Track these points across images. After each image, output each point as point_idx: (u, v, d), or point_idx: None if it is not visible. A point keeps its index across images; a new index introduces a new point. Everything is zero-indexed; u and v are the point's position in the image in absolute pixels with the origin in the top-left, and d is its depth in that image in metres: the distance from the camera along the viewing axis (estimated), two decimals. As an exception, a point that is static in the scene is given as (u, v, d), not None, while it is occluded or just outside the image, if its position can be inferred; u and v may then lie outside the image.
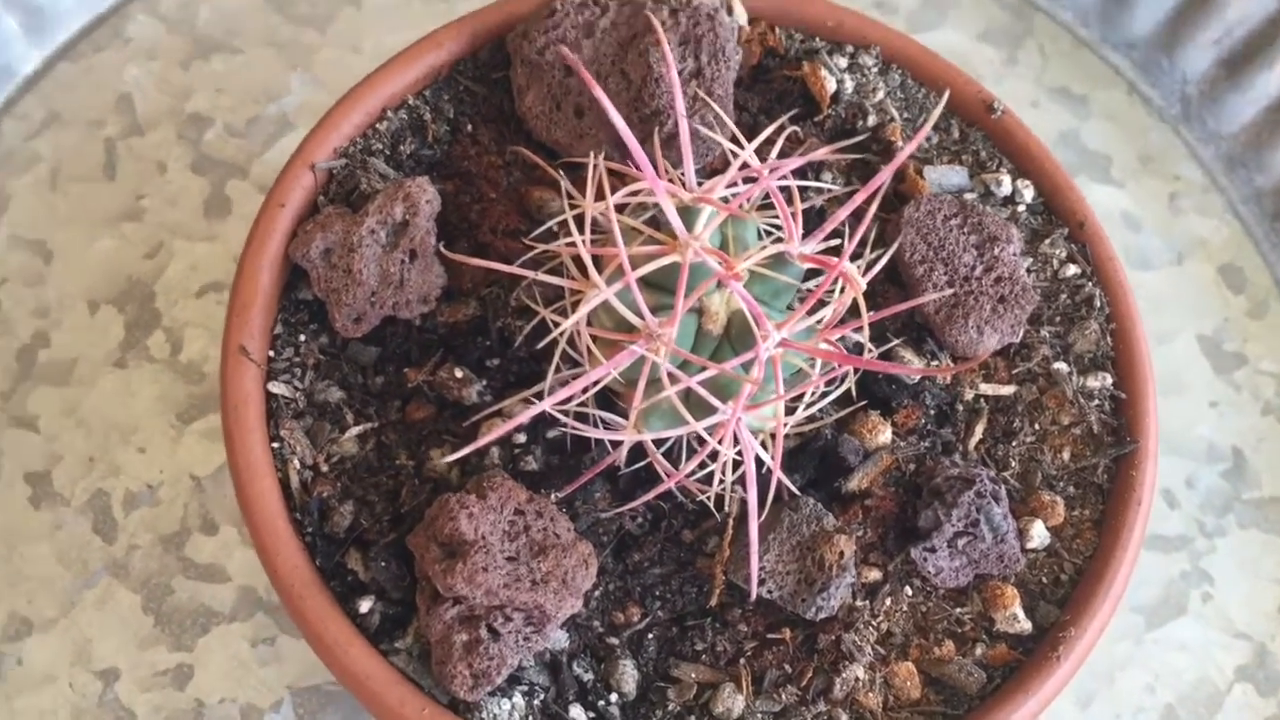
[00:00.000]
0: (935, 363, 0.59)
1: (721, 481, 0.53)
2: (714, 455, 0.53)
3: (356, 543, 0.54)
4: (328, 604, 0.52)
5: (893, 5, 0.94)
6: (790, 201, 0.53)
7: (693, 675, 0.54)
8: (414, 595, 0.53)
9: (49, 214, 0.82)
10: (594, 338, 0.51)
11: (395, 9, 0.91)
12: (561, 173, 0.57)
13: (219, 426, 0.77)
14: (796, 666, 0.54)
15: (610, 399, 0.56)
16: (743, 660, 0.54)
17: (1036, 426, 0.60)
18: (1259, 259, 0.89)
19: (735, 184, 0.54)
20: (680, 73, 0.61)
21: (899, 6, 0.95)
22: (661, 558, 0.56)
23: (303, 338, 0.59)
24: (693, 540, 0.56)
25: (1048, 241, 0.63)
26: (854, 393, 0.56)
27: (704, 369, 0.49)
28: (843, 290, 0.53)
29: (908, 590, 0.56)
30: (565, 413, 0.52)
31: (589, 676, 0.53)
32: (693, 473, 0.53)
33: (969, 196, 0.63)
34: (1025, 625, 0.56)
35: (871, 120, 0.65)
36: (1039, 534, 0.57)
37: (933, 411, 0.59)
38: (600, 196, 0.52)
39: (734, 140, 0.57)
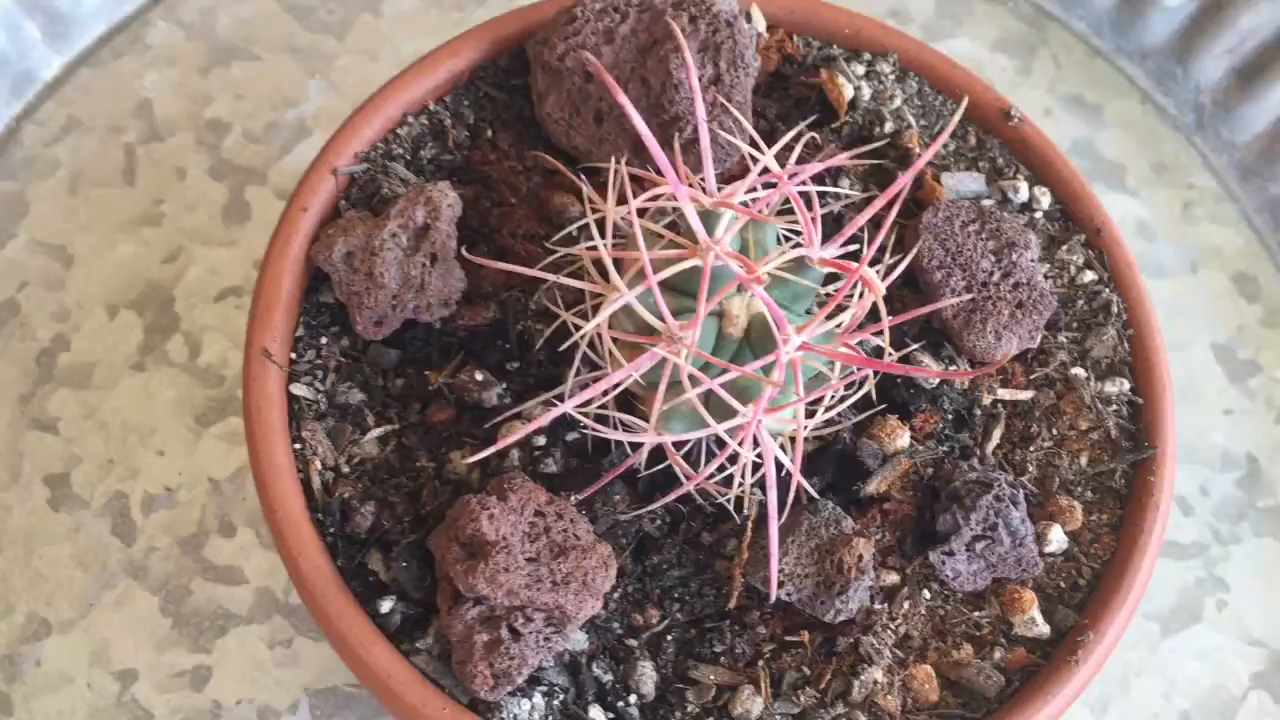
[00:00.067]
0: (953, 368, 0.59)
1: (741, 484, 0.53)
2: (733, 458, 0.53)
3: (378, 543, 0.55)
4: (349, 604, 0.52)
5: (908, 14, 0.95)
6: (809, 207, 0.53)
7: (711, 677, 0.54)
8: (434, 596, 0.53)
9: (69, 219, 0.83)
10: (615, 340, 0.52)
11: (413, 17, 0.92)
12: (583, 177, 0.57)
13: (237, 430, 0.78)
14: (815, 669, 0.55)
15: (630, 403, 0.56)
16: (761, 662, 0.55)
17: (1054, 431, 0.60)
18: (1272, 268, 0.89)
19: (755, 189, 0.54)
20: (699, 79, 0.61)
21: (914, 16, 0.95)
22: (680, 560, 0.56)
23: (324, 340, 0.59)
24: (711, 543, 0.57)
25: (1065, 248, 0.63)
26: (874, 395, 0.56)
27: (725, 371, 0.49)
28: (861, 295, 0.53)
29: (926, 593, 0.56)
30: (585, 415, 0.53)
31: (608, 678, 0.54)
32: (712, 475, 0.53)
33: (986, 203, 0.63)
34: (1043, 629, 0.56)
35: (889, 127, 0.65)
36: (1057, 538, 0.57)
37: (950, 416, 0.59)
38: (621, 201, 0.53)
39: (753, 146, 0.57)
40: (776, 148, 0.53)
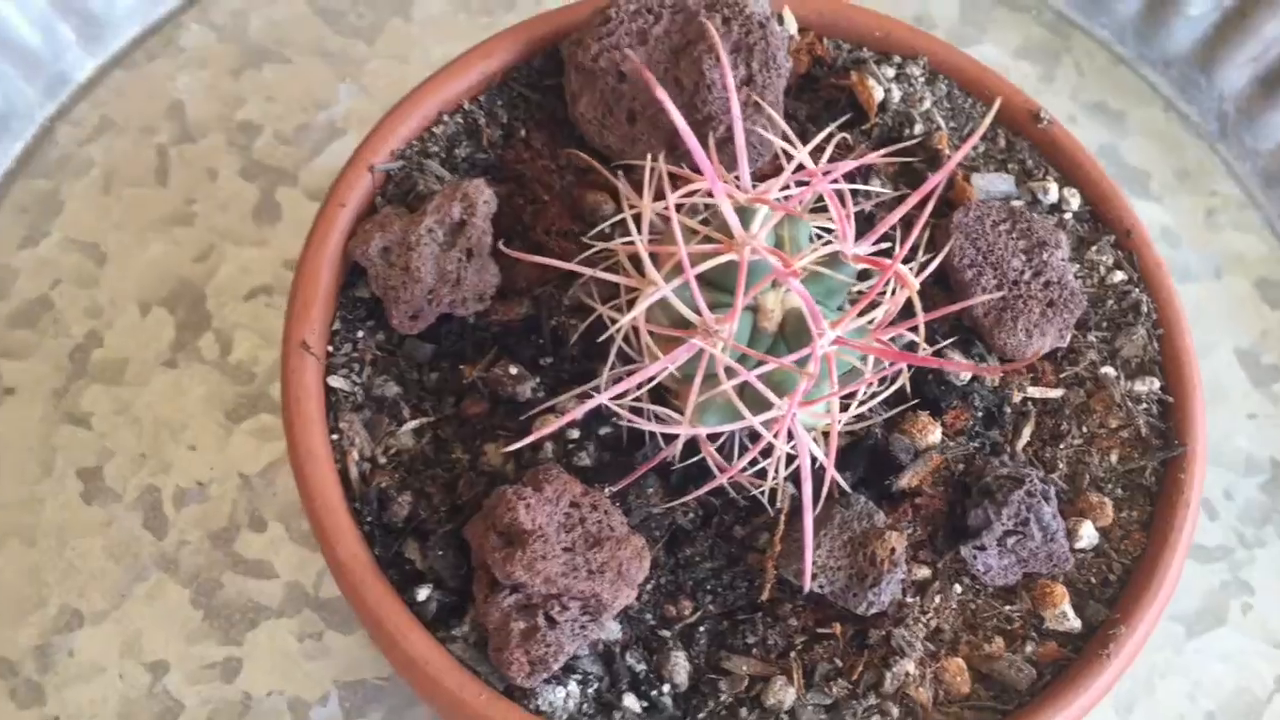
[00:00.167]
0: (985, 364, 0.60)
1: (775, 476, 0.54)
2: (767, 451, 0.53)
3: (414, 533, 0.55)
4: (386, 591, 0.53)
5: (931, 21, 0.96)
6: (843, 204, 0.54)
7: (744, 668, 0.55)
8: (470, 584, 0.54)
9: (102, 217, 0.84)
10: (651, 334, 0.52)
11: (442, 22, 0.93)
12: (620, 173, 0.58)
13: (267, 426, 0.78)
14: (847, 661, 0.55)
15: (663, 398, 0.57)
16: (793, 654, 0.55)
17: (1084, 429, 0.60)
18: (1296, 274, 0.89)
19: (788, 187, 0.55)
20: (732, 80, 0.62)
21: (938, 23, 0.96)
22: (713, 553, 0.57)
23: (360, 334, 0.60)
24: (744, 536, 0.57)
25: (1094, 248, 0.64)
26: (907, 389, 0.57)
27: (760, 364, 0.50)
28: (894, 293, 0.54)
29: (957, 588, 0.57)
30: (620, 407, 0.53)
31: (642, 667, 0.54)
32: (745, 468, 0.54)
33: (1016, 204, 0.64)
34: (1074, 623, 0.56)
35: (918, 129, 0.66)
36: (1088, 534, 0.57)
37: (980, 414, 0.60)
38: (658, 197, 0.54)
39: (786, 145, 0.58)
40: (813, 144, 0.53)
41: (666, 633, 0.55)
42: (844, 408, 0.54)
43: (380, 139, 0.63)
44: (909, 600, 0.56)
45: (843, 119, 0.65)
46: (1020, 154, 0.66)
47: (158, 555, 0.74)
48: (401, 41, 0.92)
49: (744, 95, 0.61)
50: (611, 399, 0.51)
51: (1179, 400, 0.60)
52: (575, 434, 0.58)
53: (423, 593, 0.54)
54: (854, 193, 0.58)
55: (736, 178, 0.55)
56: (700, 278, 0.52)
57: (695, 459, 0.56)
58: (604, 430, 0.58)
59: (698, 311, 0.51)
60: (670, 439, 0.55)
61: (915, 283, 0.52)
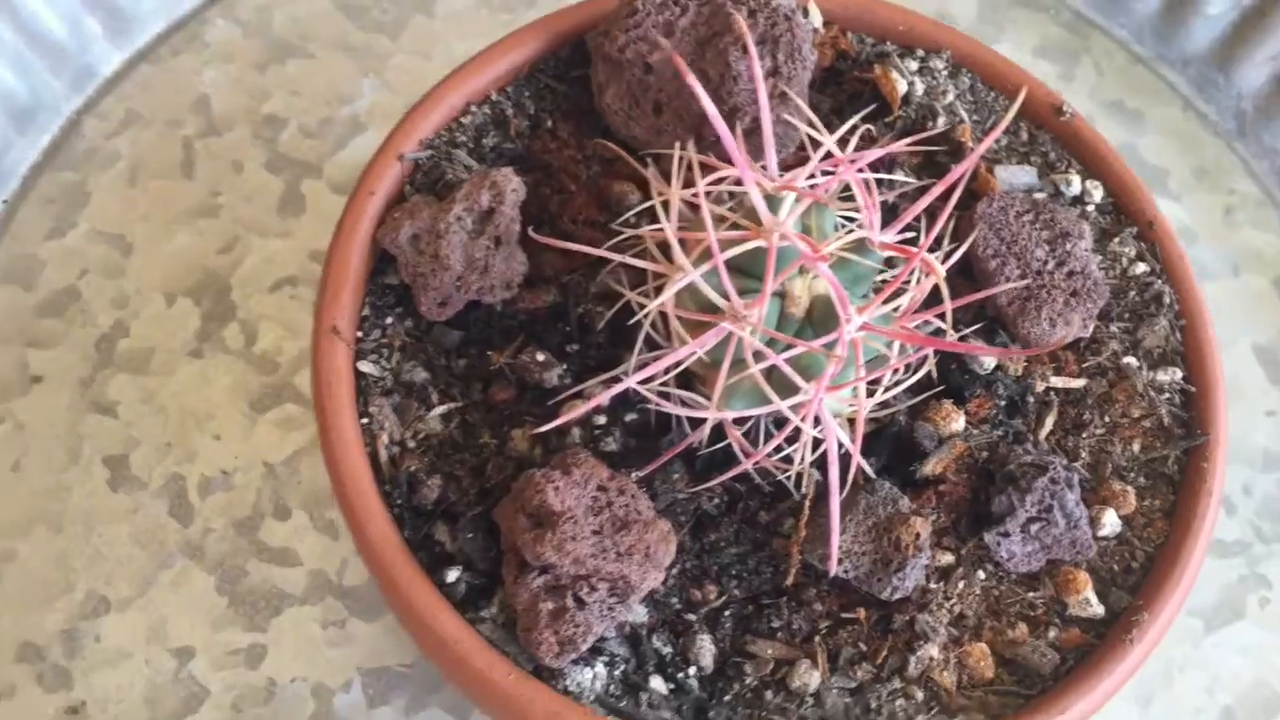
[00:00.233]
0: (1009, 349, 0.60)
1: (800, 461, 0.54)
2: (792, 437, 0.54)
3: (443, 515, 0.56)
4: (416, 573, 0.53)
5: (951, 19, 0.96)
6: (869, 192, 0.54)
7: (769, 651, 0.55)
8: (499, 566, 0.54)
9: (129, 209, 0.85)
10: (679, 320, 0.53)
11: (464, 18, 0.94)
12: (650, 160, 0.58)
13: (292, 416, 0.79)
14: (871, 645, 0.55)
15: (689, 384, 0.57)
16: (818, 638, 0.55)
17: (1107, 419, 0.61)
18: (1314, 272, 0.90)
19: (814, 176, 0.55)
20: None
21: (957, 21, 0.96)
22: (738, 538, 0.57)
23: (389, 320, 0.61)
24: (768, 521, 0.58)
25: (1117, 240, 0.64)
26: (934, 374, 0.57)
27: (789, 348, 0.50)
28: (919, 281, 0.54)
29: (980, 574, 0.57)
30: (648, 392, 0.54)
31: (668, 650, 0.55)
32: (771, 453, 0.54)
33: (1039, 196, 0.65)
34: (1098, 609, 0.57)
35: (942, 122, 0.67)
36: (1111, 522, 0.58)
37: (1004, 403, 0.60)
38: (685, 185, 0.54)
39: (811, 137, 0.58)
40: (840, 132, 0.54)
41: (692, 616, 0.56)
42: (869, 394, 0.54)
43: (409, 129, 0.63)
44: (932, 586, 0.56)
45: (866, 111, 0.65)
46: (1043, 147, 0.67)
47: (183, 542, 0.75)
48: (424, 37, 0.93)
49: (770, 86, 0.62)
50: (639, 383, 0.52)
51: (1201, 390, 0.61)
52: (602, 420, 0.58)
53: (452, 574, 0.54)
54: (878, 183, 0.58)
55: (763, 167, 0.55)
56: (728, 264, 0.52)
57: (720, 445, 0.56)
58: (630, 417, 0.59)
59: (726, 296, 0.51)
60: (697, 424, 0.56)
61: (941, 270, 0.52)
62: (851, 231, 0.53)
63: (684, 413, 0.53)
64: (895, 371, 0.54)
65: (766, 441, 0.55)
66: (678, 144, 0.56)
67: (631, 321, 0.55)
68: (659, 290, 0.54)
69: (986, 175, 0.65)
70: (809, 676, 0.54)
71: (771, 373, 0.52)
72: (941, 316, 0.54)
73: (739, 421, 0.56)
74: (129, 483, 0.76)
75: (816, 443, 0.55)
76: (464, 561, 0.55)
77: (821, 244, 0.52)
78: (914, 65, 0.68)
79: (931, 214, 0.56)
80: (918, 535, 0.55)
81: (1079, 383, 0.61)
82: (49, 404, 0.78)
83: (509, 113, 0.66)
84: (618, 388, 0.52)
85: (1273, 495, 0.81)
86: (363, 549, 0.55)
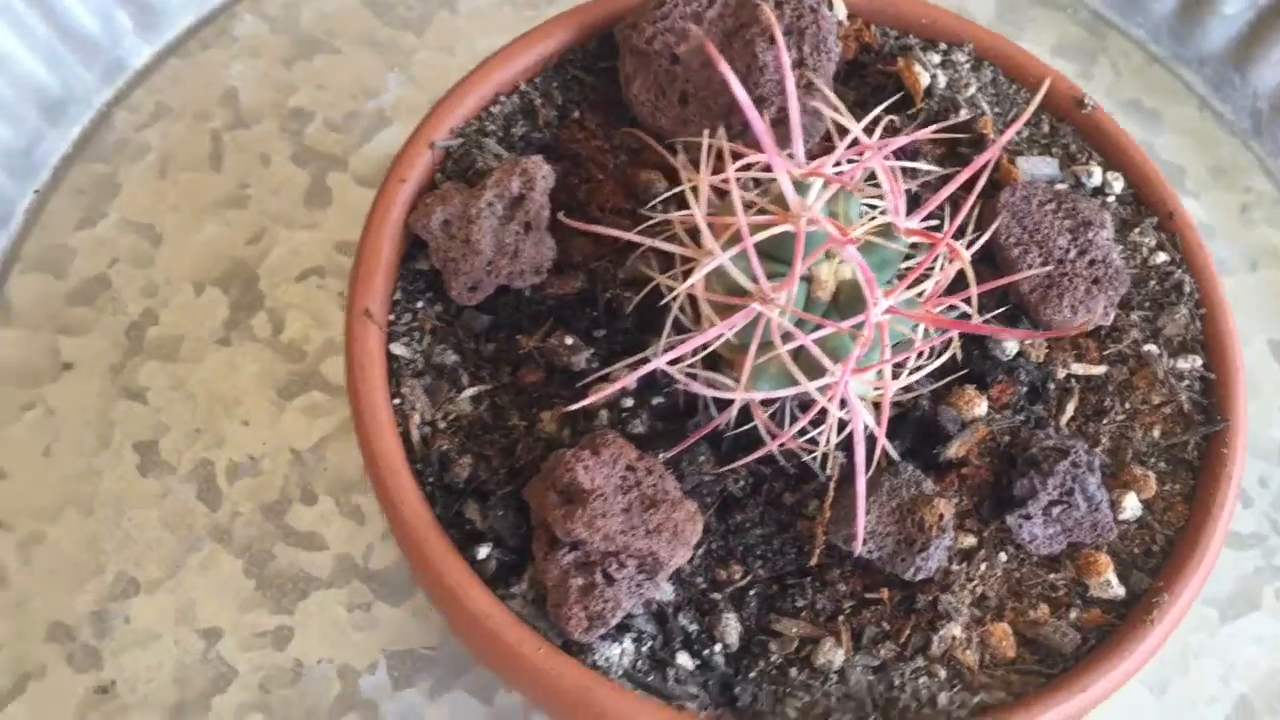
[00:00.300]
0: (1029, 340, 0.61)
1: (826, 443, 0.55)
2: (818, 420, 0.55)
3: (474, 494, 0.57)
4: (448, 550, 0.54)
5: (970, 17, 0.97)
6: (894, 179, 0.55)
7: (794, 630, 0.56)
8: (529, 544, 0.55)
9: (158, 200, 0.86)
10: (709, 303, 0.54)
11: (488, 14, 0.95)
12: (680, 148, 0.59)
13: (318, 403, 0.80)
14: (894, 624, 0.56)
15: (716, 368, 0.58)
16: (841, 618, 0.56)
17: (1127, 405, 0.61)
18: (1329, 269, 0.91)
19: (839, 164, 0.56)
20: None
21: (976, 20, 0.97)
22: (763, 519, 0.58)
23: (420, 305, 0.62)
24: (793, 503, 0.58)
25: (1137, 230, 0.65)
26: (958, 357, 0.58)
27: (817, 329, 0.51)
28: (943, 267, 0.55)
29: (1002, 556, 0.58)
30: (677, 372, 0.55)
31: (694, 627, 0.55)
32: (796, 435, 0.55)
33: (1060, 187, 0.65)
34: (1118, 591, 0.57)
35: (964, 114, 0.67)
36: (1131, 505, 0.59)
37: (1025, 389, 0.61)
38: (715, 172, 0.55)
39: (838, 126, 0.59)
40: (867, 120, 0.55)
41: (718, 595, 0.57)
42: (896, 375, 0.55)
43: (440, 117, 0.64)
44: (955, 567, 0.57)
45: (890, 102, 0.66)
46: (1064, 139, 0.68)
47: (211, 526, 0.76)
48: (449, 33, 0.94)
49: (796, 76, 0.63)
50: (668, 363, 0.53)
51: (1220, 377, 0.62)
52: (629, 403, 0.59)
53: (482, 551, 0.55)
54: (902, 172, 0.59)
55: (789, 155, 0.56)
56: (756, 249, 0.53)
57: (746, 427, 0.57)
58: (657, 400, 0.60)
59: (755, 279, 0.52)
60: (724, 406, 0.57)
61: (966, 255, 0.53)
62: (877, 218, 0.54)
63: (712, 393, 0.54)
64: (920, 355, 0.55)
65: (791, 425, 0.56)
66: (706, 131, 0.57)
67: (662, 303, 0.55)
68: (687, 275, 0.55)
69: (1009, 166, 0.65)
70: (833, 654, 0.55)
71: (799, 355, 0.53)
72: (966, 301, 0.55)
73: (765, 404, 0.57)
74: (158, 467, 0.78)
75: (841, 426, 0.55)
76: (494, 539, 0.56)
77: (848, 229, 0.53)
78: (936, 58, 0.69)
79: (954, 203, 0.57)
80: (941, 516, 0.56)
81: (1100, 369, 0.62)
82: (80, 390, 0.80)
83: (537, 103, 0.67)
84: (647, 368, 0.53)
85: (1289, 489, 0.82)
86: (396, 526, 0.56)
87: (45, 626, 0.73)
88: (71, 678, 0.72)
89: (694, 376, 0.56)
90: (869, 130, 0.57)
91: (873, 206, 0.57)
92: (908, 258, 0.58)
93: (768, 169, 0.55)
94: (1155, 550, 0.59)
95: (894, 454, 0.57)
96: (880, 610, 0.57)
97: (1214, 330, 0.63)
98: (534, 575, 0.55)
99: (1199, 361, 0.63)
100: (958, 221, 0.53)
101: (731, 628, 0.56)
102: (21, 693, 0.71)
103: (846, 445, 0.57)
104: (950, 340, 0.58)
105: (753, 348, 0.53)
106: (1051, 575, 0.58)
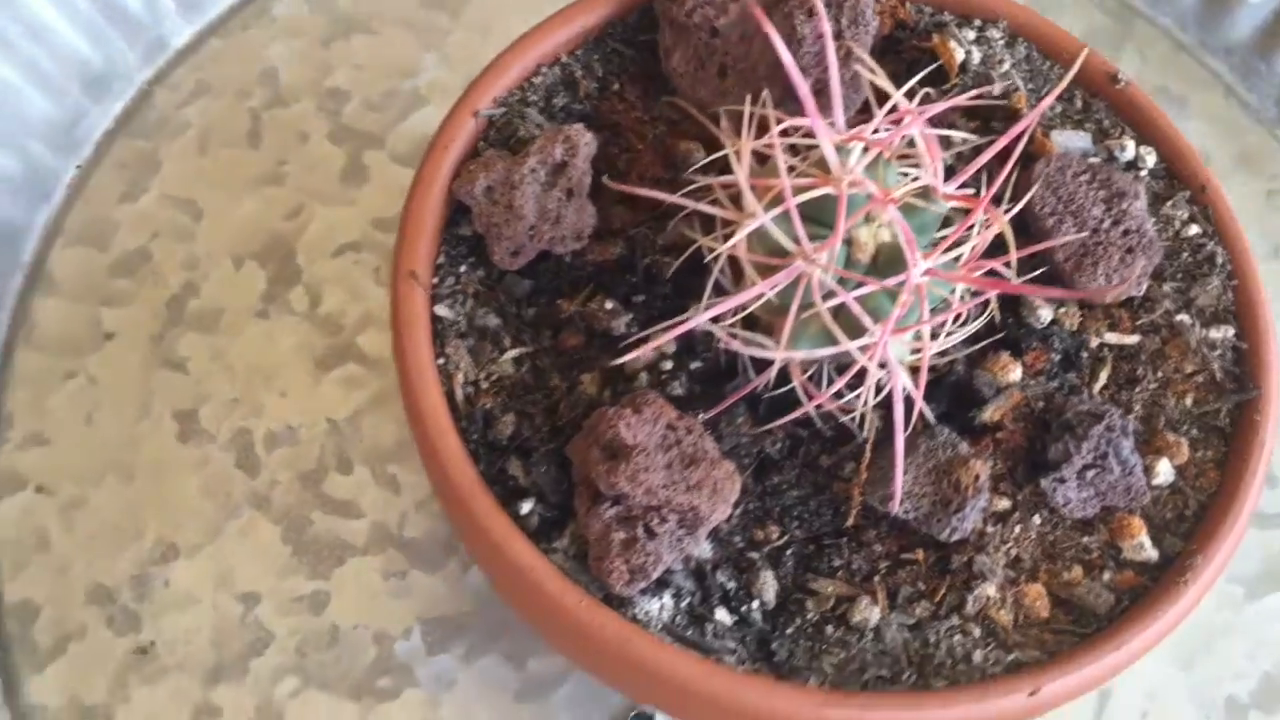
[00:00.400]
0: (1064, 309, 0.62)
1: (863, 404, 0.56)
2: (855, 382, 0.56)
3: (517, 450, 0.58)
4: (492, 505, 0.55)
5: (999, 5, 0.98)
6: (932, 145, 0.56)
7: (830, 589, 0.57)
8: (571, 500, 0.56)
9: (198, 176, 0.88)
10: (751, 264, 0.55)
11: (522, -4, 0.96)
12: (722, 114, 0.60)
13: (354, 375, 0.81)
14: (929, 584, 0.57)
15: (755, 331, 0.59)
16: (877, 578, 0.57)
17: (1160, 374, 0.62)
18: (1355, 256, 0.91)
19: (878, 131, 0.57)
20: (822, 35, 0.64)
21: (1005, 6, 0.98)
22: (799, 481, 0.59)
23: (463, 269, 0.63)
24: (829, 466, 0.59)
25: (1170, 204, 0.66)
26: (996, 318, 0.59)
27: (860, 285, 0.52)
28: (980, 232, 0.56)
29: (1036, 519, 0.59)
30: (719, 330, 0.56)
31: (732, 584, 0.56)
32: (834, 397, 0.56)
33: (1093, 161, 0.66)
34: (1152, 554, 0.58)
35: (998, 90, 0.68)
36: (1164, 470, 0.59)
37: (1058, 356, 0.62)
38: (755, 139, 0.56)
39: (876, 94, 0.60)
40: (908, 85, 0.56)
41: (755, 555, 0.57)
42: (934, 337, 0.56)
43: (483, 87, 0.66)
44: (989, 530, 0.58)
45: (925, 73, 0.67)
46: (1097, 114, 0.69)
47: (250, 494, 0.77)
48: (483, 15, 0.95)
49: (836, 46, 0.64)
50: (710, 320, 0.54)
51: (1253, 346, 0.62)
52: (668, 366, 0.60)
53: (525, 507, 0.56)
54: (942, 139, 0.60)
55: (831, 122, 0.57)
56: (797, 212, 0.54)
57: (784, 389, 0.58)
58: (695, 364, 0.61)
59: (797, 240, 0.53)
60: (762, 369, 0.58)
61: (1005, 219, 0.54)
62: (916, 180, 0.55)
63: (752, 351, 0.55)
64: (958, 317, 0.56)
65: (828, 388, 0.57)
66: (749, 97, 0.58)
67: (706, 261, 0.56)
68: (728, 238, 0.56)
69: (1042, 139, 0.66)
70: (869, 612, 0.56)
71: (838, 315, 0.54)
72: (1005, 265, 0.56)
73: (802, 368, 0.58)
74: (198, 436, 0.79)
75: (878, 390, 0.56)
76: (537, 494, 0.57)
77: (889, 190, 0.54)
78: (971, 35, 0.70)
79: (989, 176, 0.58)
80: (977, 477, 0.56)
81: (1133, 339, 0.63)
82: (121, 360, 0.81)
83: (578, 75, 0.68)
84: (689, 324, 0.54)
85: (1315, 470, 0.83)
86: (440, 483, 0.57)
87: (86, 589, 0.74)
88: (111, 639, 0.73)
89: (734, 337, 0.57)
90: (908, 97, 0.57)
91: (906, 175, 0.58)
92: (943, 226, 0.59)
93: (808, 135, 0.56)
94: (1188, 515, 0.60)
95: (930, 417, 0.58)
96: (915, 570, 0.57)
97: (1246, 300, 0.63)
98: (575, 531, 0.56)
99: (1231, 331, 0.63)
100: (996, 186, 0.54)
101: (769, 585, 0.57)
102: (62, 653, 0.72)
103: (883, 408, 0.58)
104: (987, 303, 0.59)
105: (793, 307, 0.54)
106: (1085, 538, 0.59)
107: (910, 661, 0.55)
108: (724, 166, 0.58)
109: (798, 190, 0.53)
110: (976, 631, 0.56)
